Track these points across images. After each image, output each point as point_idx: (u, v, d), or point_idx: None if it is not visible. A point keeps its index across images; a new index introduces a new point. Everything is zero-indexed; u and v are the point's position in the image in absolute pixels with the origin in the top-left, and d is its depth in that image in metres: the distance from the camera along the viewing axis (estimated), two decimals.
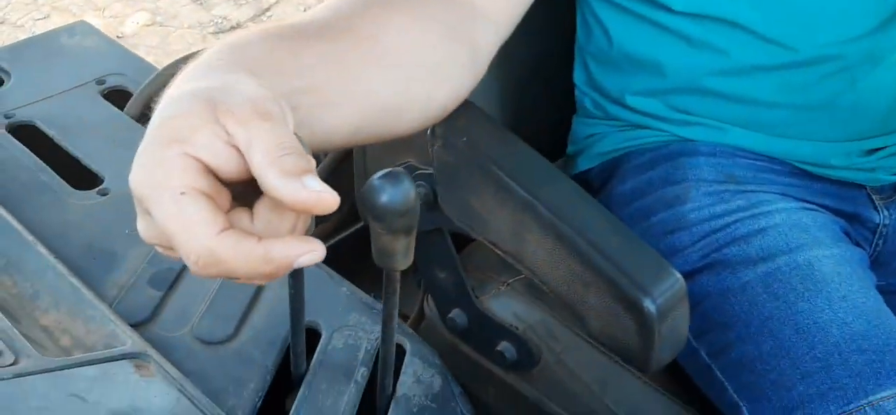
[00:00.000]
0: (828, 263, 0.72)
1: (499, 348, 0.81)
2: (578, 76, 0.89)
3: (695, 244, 0.76)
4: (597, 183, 0.87)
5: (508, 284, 0.83)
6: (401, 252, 0.48)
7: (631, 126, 0.84)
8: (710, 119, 0.80)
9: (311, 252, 0.40)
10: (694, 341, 0.74)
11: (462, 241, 0.87)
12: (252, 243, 0.39)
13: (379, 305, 0.66)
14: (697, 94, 0.79)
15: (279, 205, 0.40)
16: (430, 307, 0.89)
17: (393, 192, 0.44)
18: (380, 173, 0.44)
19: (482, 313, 0.81)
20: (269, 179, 0.38)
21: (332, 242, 1.22)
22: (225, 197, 0.41)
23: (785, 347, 0.69)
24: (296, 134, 0.42)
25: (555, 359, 0.79)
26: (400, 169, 0.45)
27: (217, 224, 0.38)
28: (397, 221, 0.45)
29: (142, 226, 0.43)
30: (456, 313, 0.83)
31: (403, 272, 0.52)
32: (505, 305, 0.82)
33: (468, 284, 0.80)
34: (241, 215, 0.42)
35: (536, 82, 0.92)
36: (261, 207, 0.41)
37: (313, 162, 0.41)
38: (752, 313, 0.71)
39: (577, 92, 0.90)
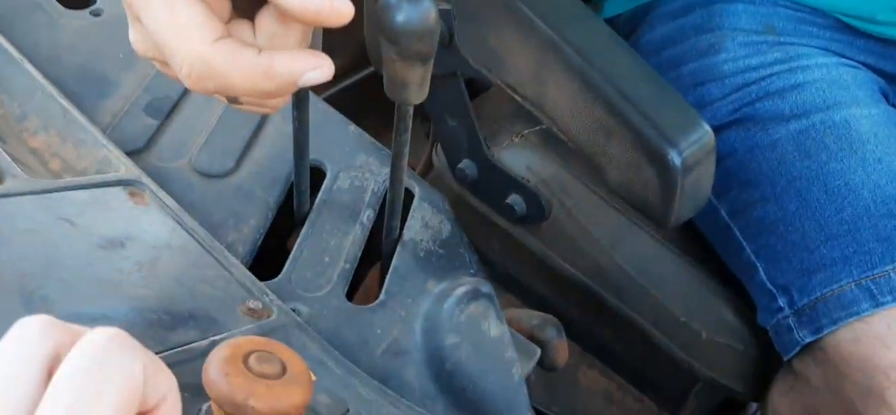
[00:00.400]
0: (865, 123, 0.68)
1: (508, 200, 0.78)
2: None
3: (726, 97, 0.72)
4: (624, 30, 0.82)
5: (522, 136, 0.79)
6: (415, 83, 0.44)
7: None
8: None
9: (319, 68, 0.36)
10: (714, 200, 0.72)
11: (474, 90, 0.82)
12: (252, 54, 0.35)
13: (387, 149, 0.62)
14: None
15: (285, 15, 0.36)
16: (438, 157, 0.85)
17: (411, 10, 0.39)
18: None
19: (493, 165, 0.78)
20: None
21: (335, 88, 1.18)
22: (224, 6, 0.37)
23: (811, 207, 0.66)
24: None
25: (565, 214, 0.77)
26: None
27: (213, 31, 0.34)
28: (414, 45, 0.41)
29: (133, 35, 0.38)
30: (466, 164, 0.80)
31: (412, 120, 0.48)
32: (517, 157, 0.78)
33: (480, 134, 0.77)
34: (243, 27, 0.37)
35: None
36: (264, 18, 0.37)
37: None
38: (779, 172, 0.68)
39: None
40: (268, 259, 0.55)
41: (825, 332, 0.65)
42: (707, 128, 0.58)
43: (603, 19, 0.84)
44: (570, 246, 0.77)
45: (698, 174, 0.58)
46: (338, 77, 1.05)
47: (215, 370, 0.35)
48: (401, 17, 0.39)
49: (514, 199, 0.78)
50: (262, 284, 0.48)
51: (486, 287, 0.52)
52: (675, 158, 0.56)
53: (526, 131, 0.79)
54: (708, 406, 0.87)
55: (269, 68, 0.35)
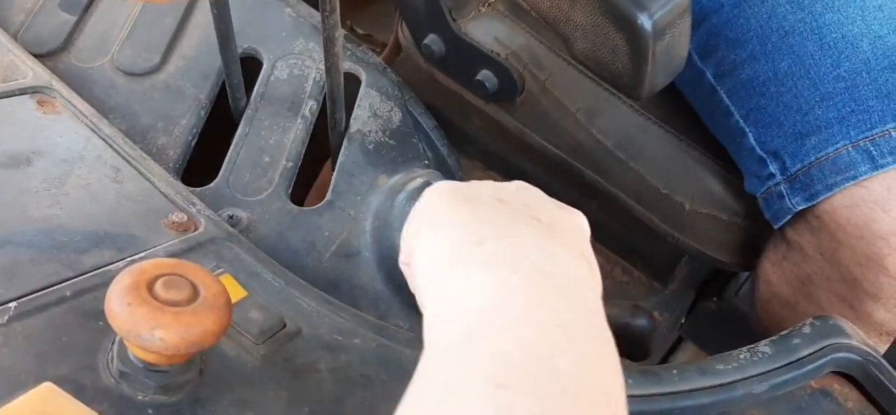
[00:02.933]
0: None
1: (479, 77, 0.73)
2: None
3: None
4: None
5: (489, 5, 0.73)
6: None
7: None
8: None
9: None
10: (699, 62, 0.66)
11: None
12: None
13: None
14: None
15: None
16: (404, 35, 0.80)
17: None
18: None
19: (460, 38, 0.72)
20: None
21: None
22: None
23: (805, 65, 0.60)
24: None
25: (539, 88, 0.72)
26: None
27: None
28: None
29: None
30: (432, 39, 0.74)
31: None
32: (485, 29, 0.72)
33: (444, 5, 0.71)
34: None
35: None
36: None
37: None
38: (770, 27, 0.62)
39: None
40: (209, 161, 0.51)
41: (820, 198, 0.61)
42: None
43: None
44: (546, 121, 0.73)
45: (672, 38, 0.52)
46: None
47: (117, 301, 0.32)
48: None
49: (484, 74, 0.73)
50: (189, 192, 0.44)
51: (439, 179, 0.48)
52: (645, 22, 0.51)
53: (493, 0, 0.73)
54: (697, 277, 0.85)
55: None
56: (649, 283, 0.89)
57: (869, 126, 0.59)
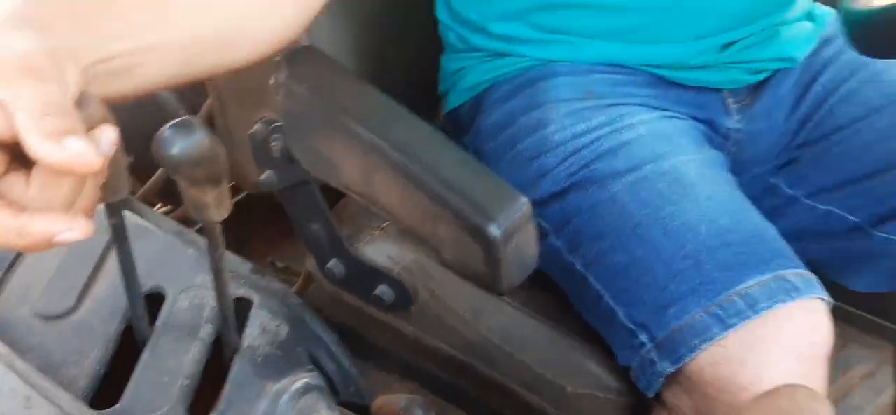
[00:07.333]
0: (692, 166, 0.74)
1: (376, 292, 0.81)
2: (441, 11, 0.88)
3: (561, 164, 0.77)
4: (466, 120, 0.87)
5: (382, 229, 0.83)
6: (212, 204, 0.47)
7: (493, 55, 0.84)
8: (567, 34, 0.80)
9: (71, 231, 0.39)
10: (569, 255, 0.76)
11: (338, 191, 0.87)
12: (7, 215, 0.38)
13: (242, 266, 0.66)
14: (554, 8, 0.79)
15: (54, 169, 0.39)
16: (310, 261, 0.89)
17: (184, 143, 0.43)
18: (170, 124, 0.44)
19: (357, 260, 0.81)
20: (29, 140, 0.37)
21: (242, 195, 1.20)
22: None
23: (656, 250, 0.70)
24: (84, 92, 0.41)
25: (430, 295, 0.80)
26: (191, 118, 0.44)
27: None
28: (196, 172, 0.45)
29: None
30: (333, 263, 0.83)
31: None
32: (379, 250, 0.82)
33: (340, 234, 0.81)
34: (16, 180, 0.40)
35: (398, 21, 0.91)
36: (37, 171, 0.40)
37: (81, 125, 0.39)
38: (622, 222, 0.72)
39: (440, 28, 0.89)
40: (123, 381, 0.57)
41: (685, 360, 0.69)
42: (523, 199, 0.62)
43: (447, 112, 0.89)
44: (439, 324, 0.81)
45: (519, 242, 0.62)
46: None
47: None
48: (175, 149, 0.43)
49: (382, 289, 0.81)
50: (93, 413, 0.50)
51: (317, 380, 0.55)
52: (494, 231, 0.60)
53: (385, 224, 0.83)
54: None
55: (21, 228, 0.38)
56: None
57: (715, 294, 0.68)
